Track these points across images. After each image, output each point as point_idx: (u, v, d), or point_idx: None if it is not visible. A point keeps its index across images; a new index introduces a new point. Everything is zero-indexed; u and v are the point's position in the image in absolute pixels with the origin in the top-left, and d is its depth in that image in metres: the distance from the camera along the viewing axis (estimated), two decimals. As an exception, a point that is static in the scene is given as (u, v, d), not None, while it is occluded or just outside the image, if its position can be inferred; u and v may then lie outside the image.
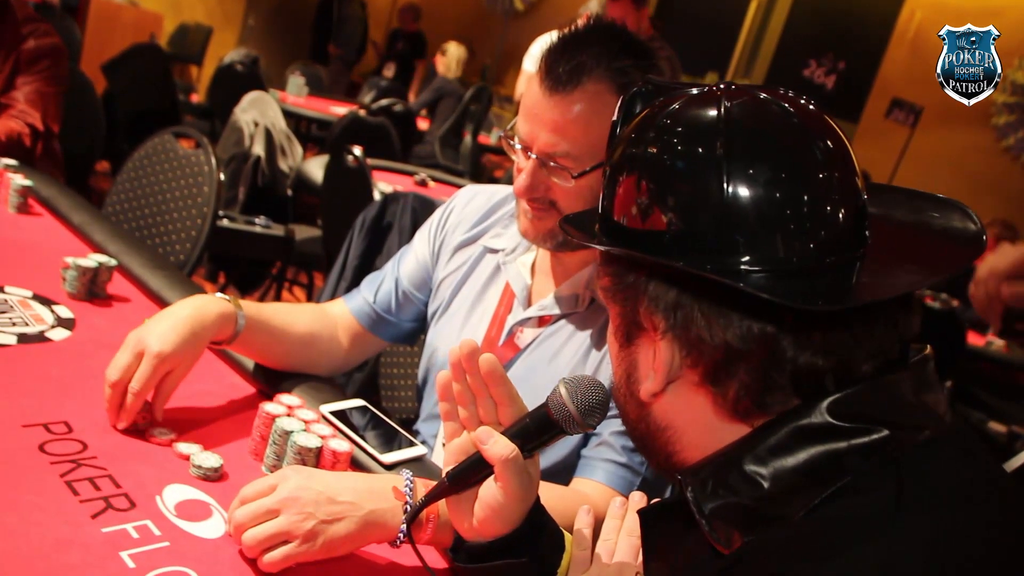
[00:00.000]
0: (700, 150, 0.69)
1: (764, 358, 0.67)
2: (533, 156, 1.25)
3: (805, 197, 0.67)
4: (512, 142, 1.30)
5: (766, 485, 0.67)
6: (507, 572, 0.93)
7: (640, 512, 0.84)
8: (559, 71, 1.21)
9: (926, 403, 0.70)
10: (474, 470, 0.91)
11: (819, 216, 0.67)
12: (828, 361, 0.67)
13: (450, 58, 7.31)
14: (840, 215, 0.69)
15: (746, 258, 0.67)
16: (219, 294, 1.31)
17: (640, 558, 0.92)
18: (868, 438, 0.66)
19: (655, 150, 0.72)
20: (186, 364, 1.19)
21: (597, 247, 0.76)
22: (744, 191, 0.66)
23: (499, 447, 0.87)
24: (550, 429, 0.88)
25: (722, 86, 0.73)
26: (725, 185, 0.67)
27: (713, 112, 0.70)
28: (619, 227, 0.75)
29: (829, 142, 0.70)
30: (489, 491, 0.90)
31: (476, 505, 0.91)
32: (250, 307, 1.32)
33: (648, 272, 0.72)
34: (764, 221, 0.66)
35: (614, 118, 0.82)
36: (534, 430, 0.89)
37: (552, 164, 1.24)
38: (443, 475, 0.93)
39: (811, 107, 0.72)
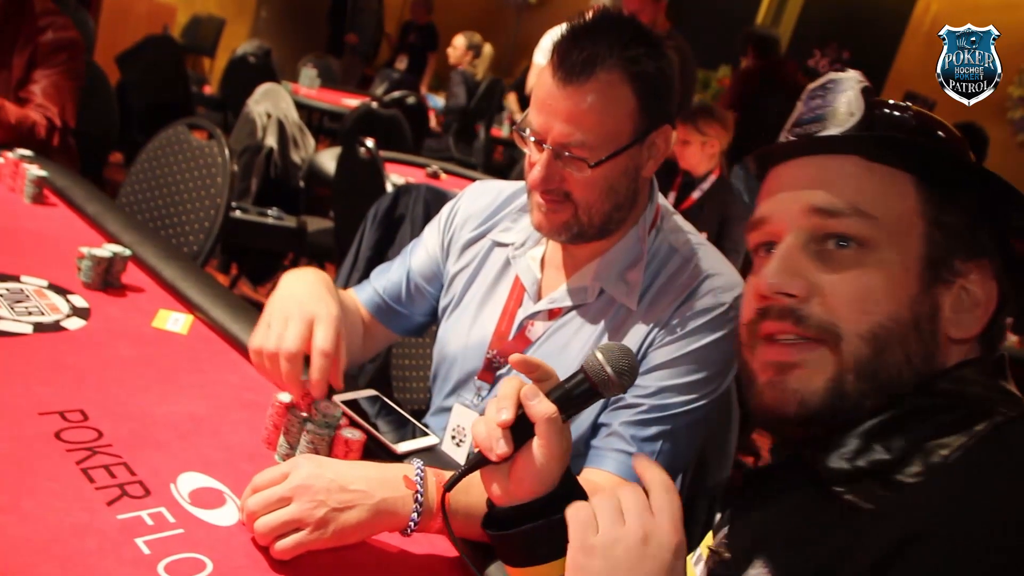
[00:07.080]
0: None
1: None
2: (547, 147, 1.25)
3: None
4: (524, 135, 1.30)
5: (889, 452, 0.78)
6: (538, 537, 0.92)
7: (745, 472, 0.94)
8: (572, 61, 1.21)
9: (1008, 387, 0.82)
10: (516, 433, 0.92)
11: None
12: None
13: (484, 57, 7.31)
14: None
15: None
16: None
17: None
18: (982, 411, 0.77)
19: None
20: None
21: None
22: None
23: (543, 406, 0.91)
24: (586, 393, 0.93)
25: None
26: None
27: None
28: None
29: None
30: (529, 452, 0.92)
31: (514, 468, 0.92)
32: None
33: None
34: None
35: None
36: (571, 395, 0.93)
37: (567, 155, 1.24)
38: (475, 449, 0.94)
39: None
